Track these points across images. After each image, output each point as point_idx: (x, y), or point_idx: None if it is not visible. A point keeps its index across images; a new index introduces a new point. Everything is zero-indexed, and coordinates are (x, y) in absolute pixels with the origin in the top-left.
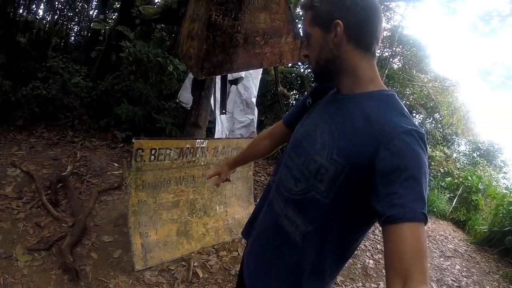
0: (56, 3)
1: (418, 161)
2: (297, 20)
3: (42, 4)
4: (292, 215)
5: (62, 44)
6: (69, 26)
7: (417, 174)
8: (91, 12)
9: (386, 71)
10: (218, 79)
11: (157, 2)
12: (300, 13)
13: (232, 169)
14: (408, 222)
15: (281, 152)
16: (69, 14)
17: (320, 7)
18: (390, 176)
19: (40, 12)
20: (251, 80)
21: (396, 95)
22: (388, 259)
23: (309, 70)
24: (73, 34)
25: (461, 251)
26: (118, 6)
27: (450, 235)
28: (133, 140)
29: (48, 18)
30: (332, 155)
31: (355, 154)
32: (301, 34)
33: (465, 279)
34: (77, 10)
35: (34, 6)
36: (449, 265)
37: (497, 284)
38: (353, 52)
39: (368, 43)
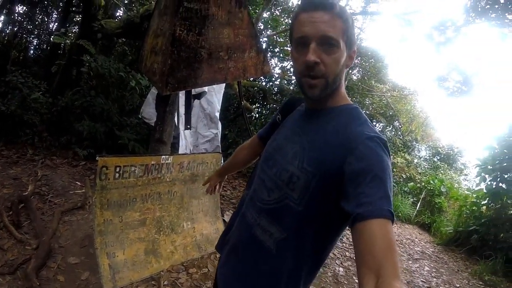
0: (16, 15)
1: (381, 163)
2: (264, 33)
3: (1, 16)
4: (265, 224)
5: (21, 57)
6: (29, 39)
7: (381, 175)
8: (51, 25)
9: (346, 82)
10: (181, 94)
11: (118, 16)
12: (262, 27)
13: (220, 177)
14: (376, 218)
15: (254, 168)
16: (28, 27)
17: (350, 29)
18: (357, 179)
19: (0, 24)
20: (214, 95)
21: (359, 108)
22: (359, 256)
23: (270, 83)
24: (32, 48)
25: (428, 252)
26: (79, 19)
27: (416, 238)
28: (98, 158)
29: (7, 31)
30: (303, 164)
31: (325, 163)
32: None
33: (434, 279)
34: (36, 22)
35: None
36: (418, 267)
37: (466, 282)
38: (343, 76)
39: None
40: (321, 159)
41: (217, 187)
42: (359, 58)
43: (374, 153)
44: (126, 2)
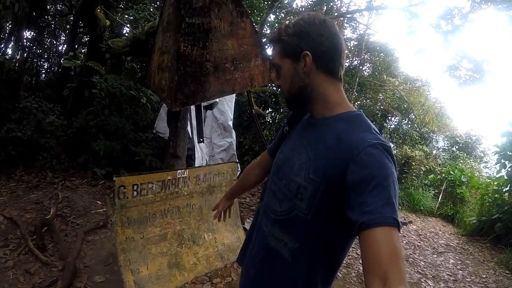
0: (24, 40)
1: (384, 170)
2: (264, 39)
3: (10, 43)
4: (279, 234)
5: (33, 82)
6: (39, 63)
7: (384, 182)
8: (60, 48)
9: (357, 79)
10: (193, 106)
11: (125, 33)
12: (268, 32)
13: (229, 201)
14: (379, 226)
15: (266, 180)
16: (38, 51)
17: (289, 40)
18: (359, 187)
19: (9, 51)
20: (226, 104)
21: (364, 115)
22: (365, 263)
23: None
24: (44, 71)
25: (453, 244)
26: (87, 39)
27: (440, 230)
28: (114, 178)
29: (17, 57)
30: (309, 174)
31: (329, 172)
32: (272, 64)
33: (460, 271)
34: (45, 46)
35: (2, 46)
36: (443, 260)
37: (493, 272)
38: (322, 79)
39: (335, 69)
40: (326, 168)
41: (228, 212)
42: (368, 53)
43: (376, 160)
44: (131, 18)
